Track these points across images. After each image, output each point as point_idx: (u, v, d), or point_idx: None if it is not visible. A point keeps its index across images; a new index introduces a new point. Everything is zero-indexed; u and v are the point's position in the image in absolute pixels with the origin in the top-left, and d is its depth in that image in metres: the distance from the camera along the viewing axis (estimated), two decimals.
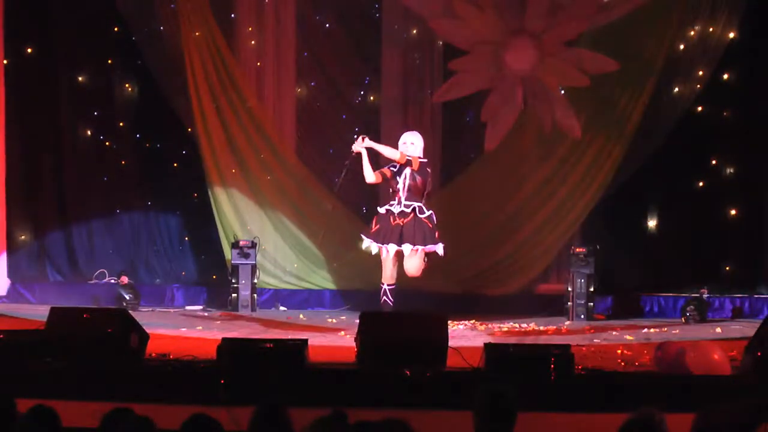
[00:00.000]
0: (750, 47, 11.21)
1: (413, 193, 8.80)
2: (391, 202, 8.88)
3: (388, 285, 8.82)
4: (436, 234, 8.83)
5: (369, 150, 8.89)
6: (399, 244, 8.74)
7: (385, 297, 8.79)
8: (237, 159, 11.68)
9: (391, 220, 8.80)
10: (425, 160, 8.89)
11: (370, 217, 11.78)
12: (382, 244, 8.78)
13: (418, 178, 8.80)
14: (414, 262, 8.76)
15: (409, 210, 8.74)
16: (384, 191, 11.69)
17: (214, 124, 11.59)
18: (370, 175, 8.89)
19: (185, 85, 11.54)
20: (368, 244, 8.90)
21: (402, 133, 9.09)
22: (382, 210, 8.93)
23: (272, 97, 11.86)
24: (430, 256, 8.90)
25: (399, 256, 8.83)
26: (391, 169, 8.89)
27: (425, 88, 11.67)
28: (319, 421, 3.92)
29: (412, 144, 8.86)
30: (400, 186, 8.82)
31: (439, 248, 8.85)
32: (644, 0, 10.90)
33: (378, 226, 8.87)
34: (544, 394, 6.23)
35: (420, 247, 8.72)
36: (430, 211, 8.84)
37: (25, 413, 4.14)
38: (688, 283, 11.30)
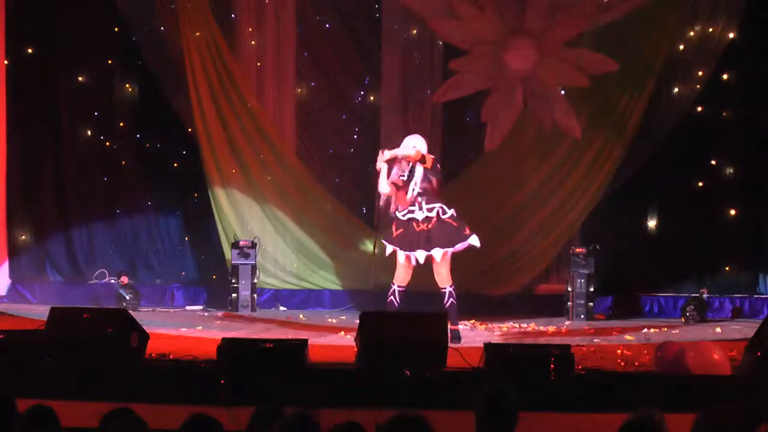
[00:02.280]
0: (750, 47, 11.22)
1: (430, 194, 8.62)
2: (411, 208, 8.65)
3: (398, 286, 8.68)
4: (466, 229, 8.67)
5: (389, 161, 8.72)
6: (428, 249, 8.56)
7: (392, 297, 8.65)
8: (237, 159, 11.67)
9: (415, 226, 8.61)
10: (432, 156, 8.78)
11: (370, 217, 11.86)
12: (410, 252, 8.58)
13: (433, 179, 8.62)
14: (442, 270, 8.61)
15: (432, 214, 8.60)
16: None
17: (214, 124, 11.59)
18: (384, 186, 8.70)
19: (185, 85, 11.53)
20: (390, 250, 8.70)
21: (402, 135, 9.02)
22: (401, 216, 8.68)
23: (272, 97, 11.85)
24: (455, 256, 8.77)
25: (417, 262, 8.65)
26: (401, 178, 8.65)
27: (425, 88, 11.66)
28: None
29: (414, 147, 8.66)
30: (415, 192, 8.61)
31: (474, 240, 8.66)
32: (644, 0, 10.90)
33: (400, 231, 8.65)
34: (544, 394, 6.23)
35: (450, 250, 8.57)
36: (452, 210, 8.68)
37: (23, 413, 4.14)
38: (688, 283, 11.31)
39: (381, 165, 8.73)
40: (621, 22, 10.94)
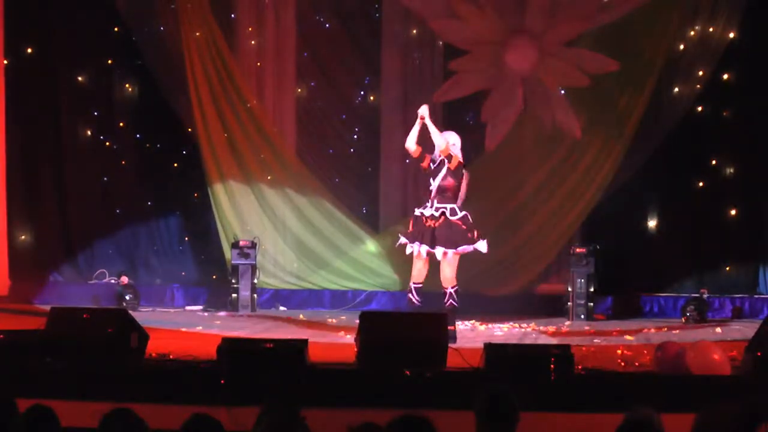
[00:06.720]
0: (750, 47, 11.21)
1: (445, 193, 8.78)
2: (425, 204, 8.86)
3: (414, 284, 8.85)
4: (475, 233, 8.78)
5: (424, 124, 8.86)
6: (431, 246, 8.70)
7: (410, 295, 8.86)
8: (237, 159, 11.67)
9: (424, 221, 8.79)
10: (460, 161, 8.85)
11: (370, 217, 11.88)
12: (415, 243, 8.76)
13: (450, 180, 8.76)
14: (446, 269, 8.69)
15: (438, 213, 8.72)
16: (391, 192, 11.76)
17: (214, 124, 11.59)
18: (412, 142, 8.84)
19: (185, 85, 11.53)
20: (403, 242, 8.89)
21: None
22: (417, 212, 8.91)
23: (272, 97, 11.85)
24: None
25: (431, 258, 8.78)
26: (431, 164, 8.86)
27: (425, 88, 11.67)
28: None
29: (453, 145, 8.82)
30: (433, 186, 8.81)
31: (481, 246, 8.80)
32: (644, 0, 10.90)
33: (413, 228, 8.87)
34: (544, 394, 6.24)
35: (451, 251, 8.66)
36: (464, 212, 8.80)
37: (23, 413, 4.15)
38: (688, 283, 11.31)
39: (423, 113, 8.82)
40: (621, 22, 10.94)
